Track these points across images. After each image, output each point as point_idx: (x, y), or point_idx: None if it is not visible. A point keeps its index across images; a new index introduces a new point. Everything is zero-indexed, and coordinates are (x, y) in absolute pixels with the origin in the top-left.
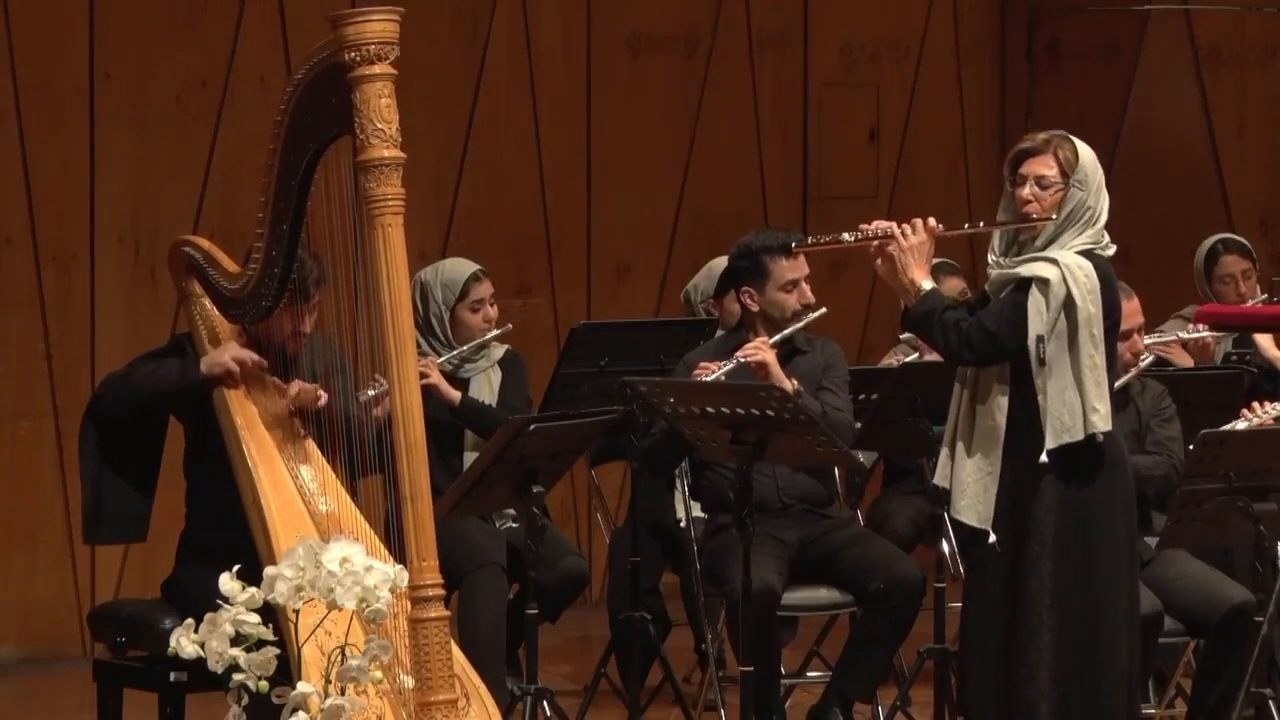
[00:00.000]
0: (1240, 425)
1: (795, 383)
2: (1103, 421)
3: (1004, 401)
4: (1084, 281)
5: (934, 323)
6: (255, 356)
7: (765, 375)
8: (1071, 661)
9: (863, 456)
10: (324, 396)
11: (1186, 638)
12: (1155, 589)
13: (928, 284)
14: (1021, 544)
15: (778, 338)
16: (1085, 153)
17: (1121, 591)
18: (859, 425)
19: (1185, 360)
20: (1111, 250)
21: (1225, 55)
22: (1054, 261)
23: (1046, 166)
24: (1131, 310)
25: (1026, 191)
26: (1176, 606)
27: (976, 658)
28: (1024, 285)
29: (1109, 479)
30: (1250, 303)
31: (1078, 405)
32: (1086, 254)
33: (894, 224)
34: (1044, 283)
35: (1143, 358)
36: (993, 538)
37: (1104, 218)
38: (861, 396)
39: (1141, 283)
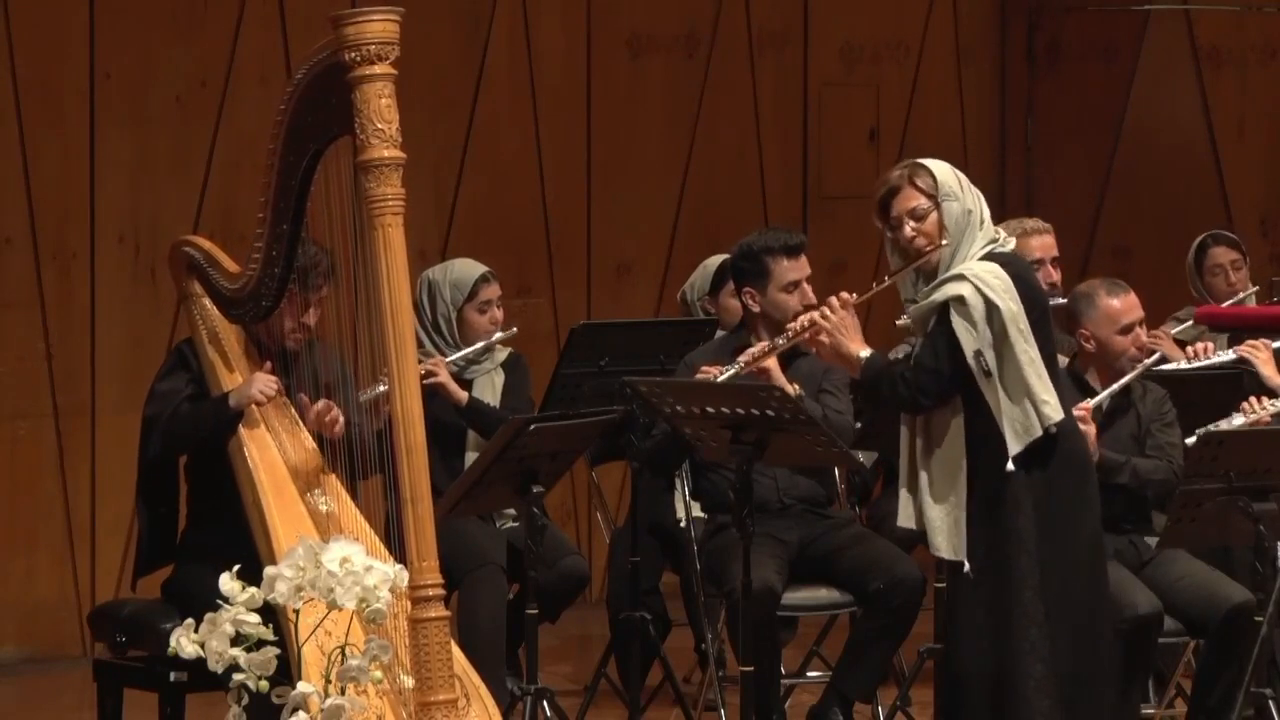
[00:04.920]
0: (1237, 420)
1: (796, 386)
2: (1054, 411)
3: (960, 431)
4: (996, 283)
5: (883, 382)
6: (277, 383)
7: (767, 380)
8: (1075, 662)
9: (862, 457)
10: (341, 424)
11: (1186, 638)
12: (1155, 589)
13: (865, 352)
14: (1007, 559)
15: (780, 348)
16: (939, 167)
17: (1104, 580)
18: (858, 425)
19: (1176, 352)
20: (1011, 244)
21: (1225, 55)
22: (961, 277)
23: (912, 199)
24: (1130, 305)
25: (908, 230)
26: (1176, 606)
27: (978, 690)
28: (944, 312)
29: (1069, 467)
30: (1241, 295)
31: (1027, 403)
32: (988, 257)
33: (812, 313)
34: (960, 300)
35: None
36: (966, 567)
37: (988, 215)
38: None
39: (1141, 282)
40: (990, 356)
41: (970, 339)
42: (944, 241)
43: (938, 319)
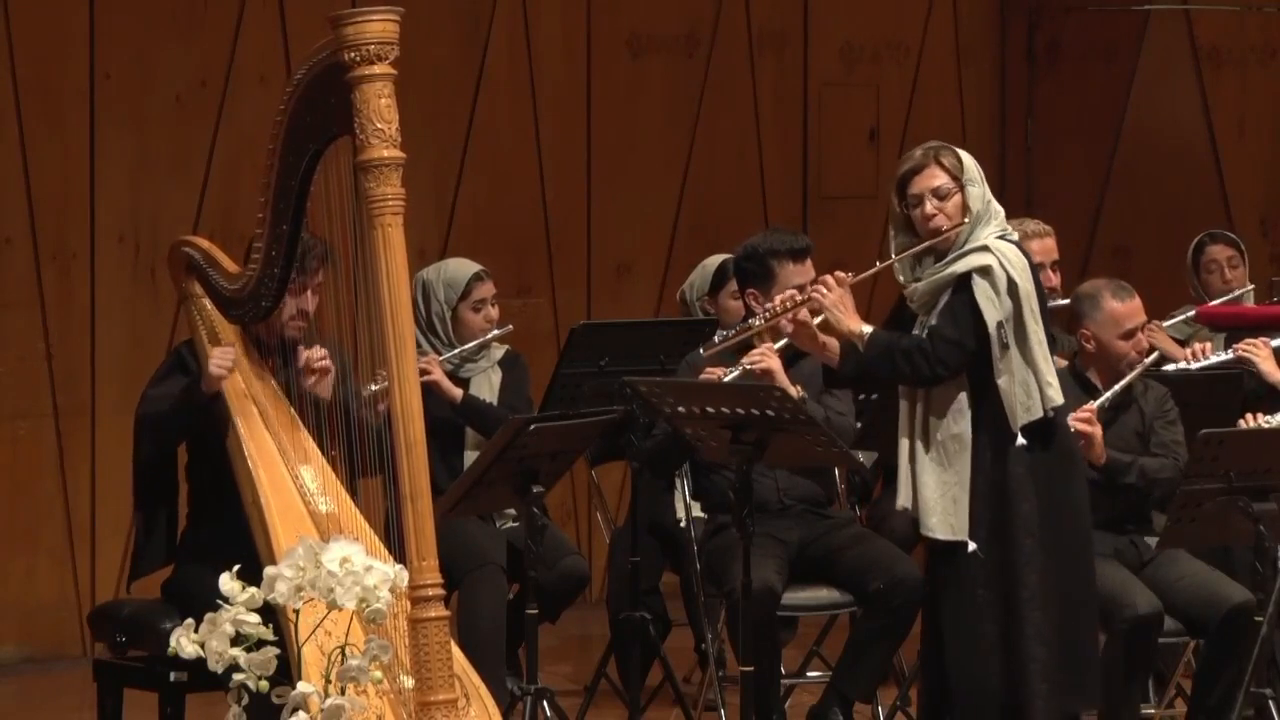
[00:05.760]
0: None
1: (800, 389)
2: (1057, 394)
3: (966, 406)
4: (1016, 261)
5: (896, 356)
6: (232, 352)
7: (770, 381)
8: (1069, 643)
9: (862, 457)
10: (331, 374)
11: (1186, 638)
12: (1155, 589)
13: (866, 328)
14: (1010, 541)
15: (781, 343)
16: (962, 152)
17: (1093, 565)
18: (858, 425)
19: (1170, 346)
20: (1015, 237)
21: (1225, 55)
22: (984, 248)
23: (936, 177)
24: (1134, 309)
25: (929, 207)
26: (1176, 606)
27: (973, 674)
28: (963, 283)
29: (1065, 452)
30: (1237, 292)
31: (1033, 383)
32: (1000, 239)
33: (791, 292)
34: (985, 270)
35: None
36: (972, 546)
37: (1000, 209)
38: (861, 397)
39: (1141, 283)
40: (1009, 330)
41: (993, 310)
42: (965, 220)
43: (955, 290)
